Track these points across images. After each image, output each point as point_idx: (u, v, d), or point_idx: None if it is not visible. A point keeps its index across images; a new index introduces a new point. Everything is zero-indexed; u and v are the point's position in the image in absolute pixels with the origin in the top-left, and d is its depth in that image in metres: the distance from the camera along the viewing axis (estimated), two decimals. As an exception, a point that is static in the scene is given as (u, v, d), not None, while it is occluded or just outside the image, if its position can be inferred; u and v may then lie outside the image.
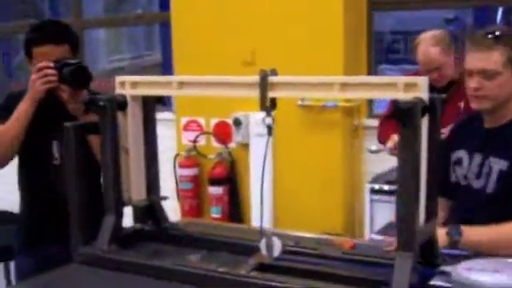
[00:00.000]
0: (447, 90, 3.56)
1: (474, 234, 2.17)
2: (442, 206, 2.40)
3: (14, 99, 2.69)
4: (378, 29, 5.24)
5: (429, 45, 3.62)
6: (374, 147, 3.95)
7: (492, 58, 2.27)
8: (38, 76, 2.55)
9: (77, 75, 2.56)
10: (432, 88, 3.41)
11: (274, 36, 4.68)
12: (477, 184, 2.38)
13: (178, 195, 5.09)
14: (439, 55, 3.61)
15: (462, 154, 2.46)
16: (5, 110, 2.70)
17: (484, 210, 2.32)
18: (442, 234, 2.11)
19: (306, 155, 4.70)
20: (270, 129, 1.95)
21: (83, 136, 2.22)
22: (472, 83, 2.33)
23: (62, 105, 2.60)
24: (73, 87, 2.57)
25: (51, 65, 2.56)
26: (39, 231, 2.81)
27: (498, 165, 2.31)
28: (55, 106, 2.63)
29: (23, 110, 2.59)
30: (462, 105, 3.59)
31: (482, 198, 2.35)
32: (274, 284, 1.81)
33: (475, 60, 2.31)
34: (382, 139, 3.85)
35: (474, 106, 2.39)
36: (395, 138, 3.24)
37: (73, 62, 2.60)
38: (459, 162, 2.46)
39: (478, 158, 2.39)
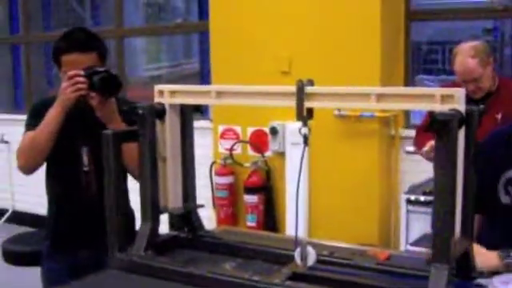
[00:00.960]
0: (484, 101, 3.54)
1: None
2: None
3: (40, 108, 2.73)
4: (416, 39, 5.22)
5: (467, 56, 3.60)
6: (410, 148, 3.96)
7: None
8: (69, 84, 2.59)
9: (107, 83, 2.59)
10: (469, 99, 3.41)
11: (311, 46, 4.69)
12: None
13: (213, 203, 5.12)
14: (477, 66, 3.58)
15: None
16: (33, 119, 2.75)
17: None
18: (493, 256, 2.08)
19: (342, 165, 4.69)
20: (306, 138, 1.95)
21: (120, 143, 2.24)
22: None
23: (90, 112, 2.63)
24: (103, 95, 2.60)
25: (81, 73, 2.59)
26: (69, 237, 2.84)
27: None
28: (84, 114, 2.67)
29: (53, 117, 2.62)
30: (499, 116, 3.57)
31: None
32: (308, 293, 1.82)
33: None
34: (419, 149, 3.84)
35: None
36: (432, 142, 3.21)
37: (102, 70, 2.63)
38: None
39: None
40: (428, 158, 3.53)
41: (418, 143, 3.90)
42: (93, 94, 2.59)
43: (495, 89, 3.64)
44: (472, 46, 3.65)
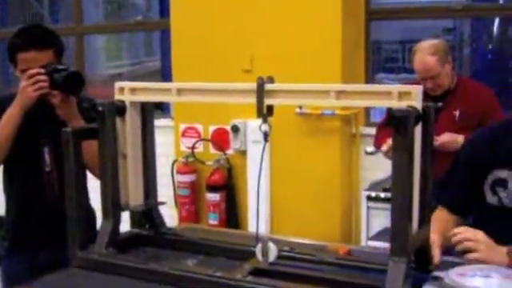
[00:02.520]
0: (443, 98, 3.59)
1: None
2: (452, 223, 2.33)
3: (2, 104, 2.65)
4: (377, 38, 5.28)
5: (426, 53, 3.66)
6: (369, 149, 4.00)
7: None
8: (29, 83, 2.53)
9: (70, 80, 2.55)
10: (427, 96, 3.45)
11: (273, 44, 4.72)
12: None
13: (175, 201, 5.11)
14: (436, 64, 3.64)
15: (504, 174, 2.28)
16: None
17: None
18: (502, 253, 2.06)
19: (303, 162, 4.73)
20: (266, 135, 1.97)
21: (81, 141, 2.23)
22: None
23: (51, 111, 2.59)
24: (66, 93, 2.56)
25: (42, 71, 2.54)
26: (30, 237, 2.81)
27: None
28: (45, 112, 2.63)
29: (12, 116, 2.57)
30: (457, 114, 3.64)
31: None
32: (269, 288, 1.84)
33: None
34: (379, 146, 3.89)
35: None
36: (390, 141, 3.25)
37: (62, 67, 2.58)
38: (502, 183, 2.29)
39: None
40: (388, 157, 3.58)
41: (378, 140, 3.95)
42: (54, 93, 2.55)
43: (454, 87, 3.71)
44: (431, 44, 3.70)
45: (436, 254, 2.00)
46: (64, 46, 2.79)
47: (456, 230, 2.08)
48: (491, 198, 2.31)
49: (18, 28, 2.73)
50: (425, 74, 3.63)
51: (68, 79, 2.55)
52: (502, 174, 2.27)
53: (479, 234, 2.09)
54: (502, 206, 2.28)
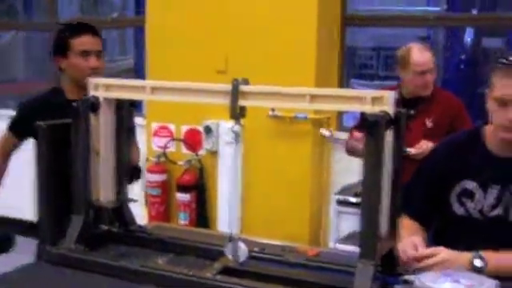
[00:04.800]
0: (415, 105, 3.64)
1: (500, 262, 2.07)
2: (418, 233, 2.33)
3: (27, 114, 2.80)
4: (351, 44, 5.32)
5: (423, 48, 3.72)
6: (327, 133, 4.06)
7: None
8: None
9: (133, 175, 2.68)
10: (402, 102, 3.48)
11: (248, 46, 4.73)
12: (493, 213, 2.26)
13: (145, 200, 5.10)
14: (432, 59, 3.70)
15: (471, 186, 2.28)
16: (19, 124, 2.84)
17: (503, 237, 2.21)
18: (465, 261, 2.07)
19: (275, 165, 4.74)
20: (237, 136, 1.99)
21: (55, 136, 2.23)
22: (509, 114, 2.09)
23: None
24: None
25: None
26: None
27: None
28: None
29: None
30: (428, 122, 3.68)
31: (501, 226, 2.24)
32: (237, 287, 1.85)
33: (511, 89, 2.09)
34: (351, 151, 3.91)
35: (506, 136, 2.17)
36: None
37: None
38: (468, 194, 2.29)
39: (494, 190, 2.25)
40: (352, 148, 3.63)
41: (348, 141, 3.97)
42: None
43: (429, 96, 3.74)
44: (421, 44, 3.78)
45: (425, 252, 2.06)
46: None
47: (415, 255, 2.07)
48: (458, 209, 2.32)
49: (67, 22, 3.02)
50: (425, 67, 3.65)
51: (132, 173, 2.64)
52: (469, 185, 2.29)
53: (438, 248, 2.10)
54: (469, 217, 2.30)
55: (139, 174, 2.84)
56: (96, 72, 2.77)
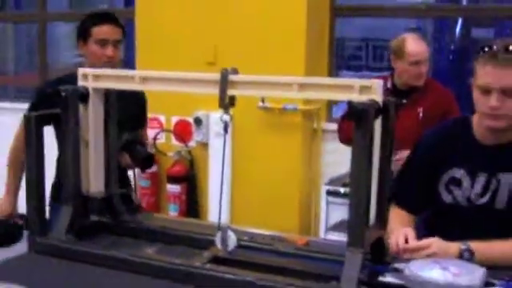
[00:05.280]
0: (408, 95, 3.65)
1: (487, 252, 2.09)
2: (407, 221, 2.36)
3: (46, 98, 2.69)
4: (340, 35, 5.32)
5: (418, 38, 3.73)
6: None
7: None
8: None
9: (146, 161, 2.80)
10: (395, 93, 3.49)
11: (237, 37, 4.73)
12: (480, 201, 2.27)
13: (135, 192, 5.09)
14: (427, 49, 3.72)
15: (458, 174, 2.29)
16: (34, 107, 2.81)
17: (491, 226, 2.23)
18: (454, 253, 2.09)
19: (265, 156, 4.75)
20: (226, 126, 1.99)
21: (43, 126, 2.22)
22: (492, 101, 2.10)
23: None
24: (137, 167, 2.99)
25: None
26: None
27: (510, 180, 2.22)
28: None
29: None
30: (420, 113, 3.68)
31: (488, 214, 2.26)
32: (227, 276, 1.86)
33: (495, 77, 2.09)
34: (344, 138, 3.89)
35: (490, 124, 2.17)
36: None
37: (143, 150, 2.80)
38: (456, 182, 2.30)
39: (482, 178, 2.26)
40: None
41: (342, 132, 3.96)
42: (125, 156, 2.77)
43: (422, 86, 3.75)
44: (416, 34, 3.79)
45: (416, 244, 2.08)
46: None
47: (405, 247, 2.08)
48: (446, 197, 2.33)
49: (91, 12, 3.06)
50: (420, 57, 3.65)
51: (145, 160, 2.79)
52: (457, 173, 2.30)
53: (429, 240, 2.11)
54: (456, 205, 2.32)
55: (151, 162, 2.89)
56: (112, 61, 2.88)
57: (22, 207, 3.22)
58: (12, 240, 2.87)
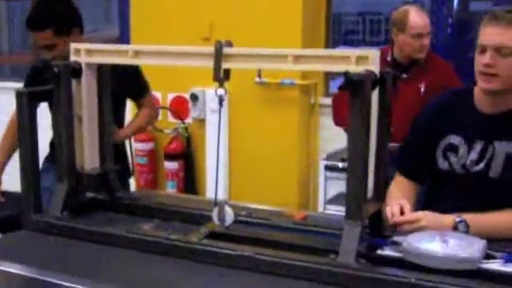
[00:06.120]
0: (408, 69, 3.62)
1: (480, 224, 2.10)
2: (408, 190, 2.37)
3: (38, 74, 2.84)
4: (336, 10, 5.27)
5: (421, 10, 3.69)
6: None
7: (510, 34, 2.10)
8: None
9: None
10: (394, 65, 3.45)
11: (233, 12, 4.69)
12: (475, 169, 2.27)
13: (133, 169, 5.08)
14: (429, 22, 3.69)
15: (456, 140, 2.30)
16: (28, 83, 2.88)
17: (485, 195, 2.24)
18: (449, 223, 2.09)
19: (262, 132, 4.73)
20: (221, 100, 1.96)
21: (35, 103, 2.19)
22: (484, 59, 2.12)
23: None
24: None
25: None
26: None
27: (506, 148, 2.22)
28: None
29: None
30: (422, 87, 3.65)
31: (482, 182, 2.26)
32: (224, 251, 1.84)
33: (491, 35, 2.12)
34: (338, 118, 3.89)
35: (482, 85, 2.18)
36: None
37: None
38: (453, 149, 2.31)
39: (478, 145, 2.26)
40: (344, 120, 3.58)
41: (336, 111, 3.95)
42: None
43: (423, 60, 3.71)
44: (418, 6, 3.75)
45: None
46: (70, 22, 2.92)
47: (394, 221, 2.08)
48: (442, 164, 2.34)
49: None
50: (423, 29, 3.62)
51: None
52: (454, 139, 2.31)
53: (419, 214, 2.12)
54: (452, 172, 2.32)
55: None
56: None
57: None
58: None
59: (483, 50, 2.14)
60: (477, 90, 2.29)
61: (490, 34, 2.13)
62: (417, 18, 3.63)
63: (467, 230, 2.08)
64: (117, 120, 2.90)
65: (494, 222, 2.14)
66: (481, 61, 2.15)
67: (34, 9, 2.92)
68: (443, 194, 2.35)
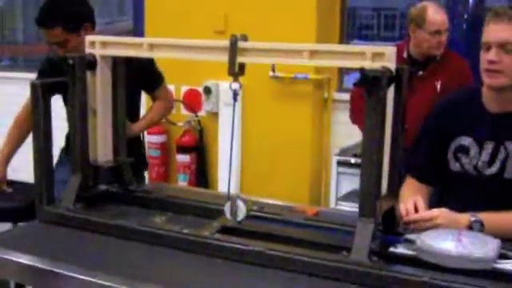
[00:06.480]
0: (425, 66, 3.60)
1: (497, 223, 2.08)
2: (420, 192, 2.34)
3: (53, 65, 2.85)
4: (351, 5, 5.25)
5: (439, 7, 3.65)
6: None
7: None
8: None
9: None
10: (411, 62, 3.42)
11: (247, 5, 4.68)
12: (489, 171, 2.25)
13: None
14: (447, 19, 3.65)
15: (467, 142, 2.29)
16: (42, 74, 2.85)
17: (500, 196, 2.22)
18: (464, 222, 2.08)
19: (275, 126, 4.72)
20: (235, 94, 1.95)
21: (50, 94, 2.19)
22: (489, 56, 2.13)
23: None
24: None
25: None
26: None
27: None
28: None
29: None
30: (438, 85, 3.62)
31: (497, 184, 2.24)
32: (236, 246, 1.84)
33: (495, 32, 2.13)
34: (355, 116, 3.84)
35: (487, 81, 2.19)
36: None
37: None
38: (464, 150, 2.29)
39: (489, 146, 2.25)
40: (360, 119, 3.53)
41: (354, 110, 3.90)
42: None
43: (440, 58, 3.68)
44: (436, 3, 3.72)
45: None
46: (78, 18, 2.86)
47: (409, 218, 2.08)
48: (454, 165, 2.32)
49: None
50: (442, 26, 3.59)
51: None
52: (465, 141, 2.29)
53: (434, 210, 2.11)
54: (464, 173, 2.30)
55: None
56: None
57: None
58: None
59: (488, 48, 2.15)
60: (484, 90, 2.28)
61: (493, 31, 2.14)
62: (435, 14, 3.60)
63: (482, 230, 2.06)
64: (132, 113, 2.87)
65: (509, 221, 2.12)
66: (485, 58, 2.15)
67: (43, 5, 2.89)
68: (455, 195, 2.33)
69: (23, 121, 3.10)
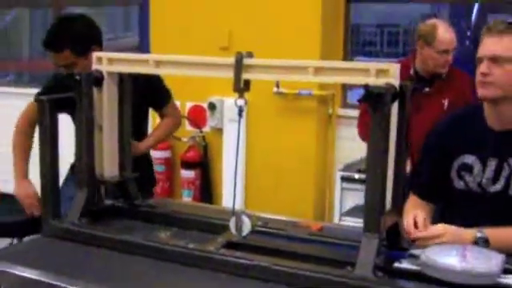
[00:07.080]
0: (430, 83, 3.60)
1: (502, 239, 2.09)
2: (423, 209, 2.33)
3: (59, 81, 2.80)
4: (354, 21, 5.28)
5: (448, 26, 3.65)
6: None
7: (503, 44, 2.15)
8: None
9: None
10: (419, 79, 3.42)
11: (252, 22, 4.71)
12: (494, 188, 2.26)
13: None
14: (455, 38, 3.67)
15: (470, 160, 2.29)
16: (47, 90, 2.79)
17: (505, 212, 2.22)
18: (471, 236, 2.09)
19: (280, 142, 4.73)
20: (241, 111, 1.97)
21: (57, 110, 2.21)
22: (481, 68, 2.18)
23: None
24: None
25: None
26: None
27: None
28: None
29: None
30: (445, 102, 3.63)
31: (501, 201, 2.24)
32: (241, 261, 1.85)
33: (487, 45, 2.18)
34: (363, 132, 3.82)
35: (479, 92, 2.21)
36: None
37: None
38: (468, 168, 2.30)
39: (492, 163, 2.25)
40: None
41: (361, 126, 3.89)
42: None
43: (445, 75, 3.69)
44: (445, 22, 3.73)
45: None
46: (87, 41, 2.81)
47: (416, 236, 2.08)
48: (458, 183, 2.33)
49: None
50: (450, 46, 3.59)
51: None
52: (468, 159, 2.30)
53: (440, 227, 2.11)
54: (468, 191, 2.30)
55: None
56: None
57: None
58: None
59: (481, 61, 2.19)
60: (485, 106, 2.29)
61: (485, 45, 2.19)
62: (445, 33, 3.60)
63: (487, 246, 2.06)
64: (139, 130, 2.86)
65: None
66: (478, 71, 2.20)
67: (50, 29, 2.86)
68: (459, 212, 2.33)
69: (25, 134, 3.04)
